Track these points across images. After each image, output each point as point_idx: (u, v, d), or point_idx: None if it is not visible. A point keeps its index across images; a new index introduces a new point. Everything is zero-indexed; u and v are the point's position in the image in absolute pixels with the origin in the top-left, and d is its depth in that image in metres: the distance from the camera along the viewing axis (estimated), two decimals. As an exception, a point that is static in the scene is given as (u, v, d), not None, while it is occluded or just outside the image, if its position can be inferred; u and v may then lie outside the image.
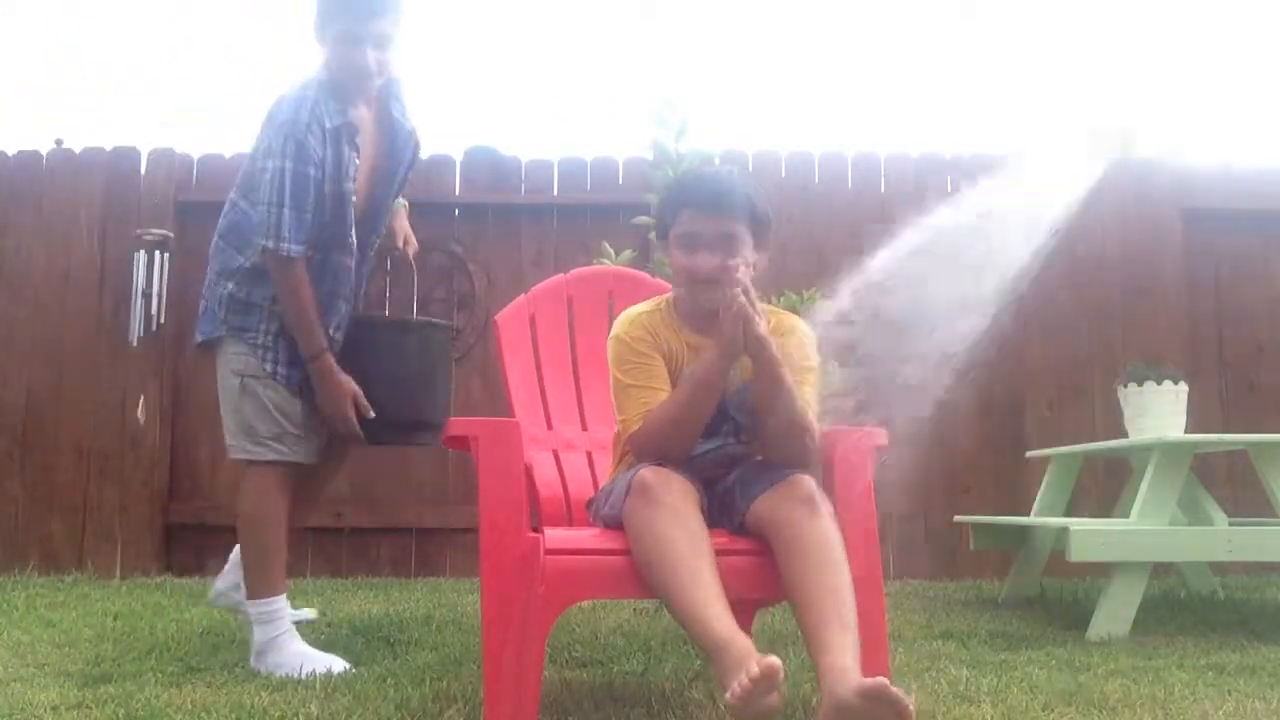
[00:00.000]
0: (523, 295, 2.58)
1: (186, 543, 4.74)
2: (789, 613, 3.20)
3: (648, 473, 1.83)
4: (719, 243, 1.97)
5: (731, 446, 2.05)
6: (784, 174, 5.10)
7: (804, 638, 1.69)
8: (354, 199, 2.58)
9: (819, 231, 5.00)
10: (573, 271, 2.63)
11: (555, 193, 5.08)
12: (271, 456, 2.54)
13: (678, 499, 1.80)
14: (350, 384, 2.54)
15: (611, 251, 3.67)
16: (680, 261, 2.02)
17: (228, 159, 5.07)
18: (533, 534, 1.79)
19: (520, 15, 7.34)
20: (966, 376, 4.75)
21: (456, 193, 5.08)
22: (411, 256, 2.91)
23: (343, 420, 2.53)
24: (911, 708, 1.47)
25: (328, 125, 2.49)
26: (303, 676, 2.33)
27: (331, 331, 2.58)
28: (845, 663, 1.58)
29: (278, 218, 2.43)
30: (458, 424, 1.90)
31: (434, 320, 2.86)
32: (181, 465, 4.83)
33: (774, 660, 1.49)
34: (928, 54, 7.28)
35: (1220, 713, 1.99)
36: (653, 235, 3.75)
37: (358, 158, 2.57)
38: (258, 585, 2.54)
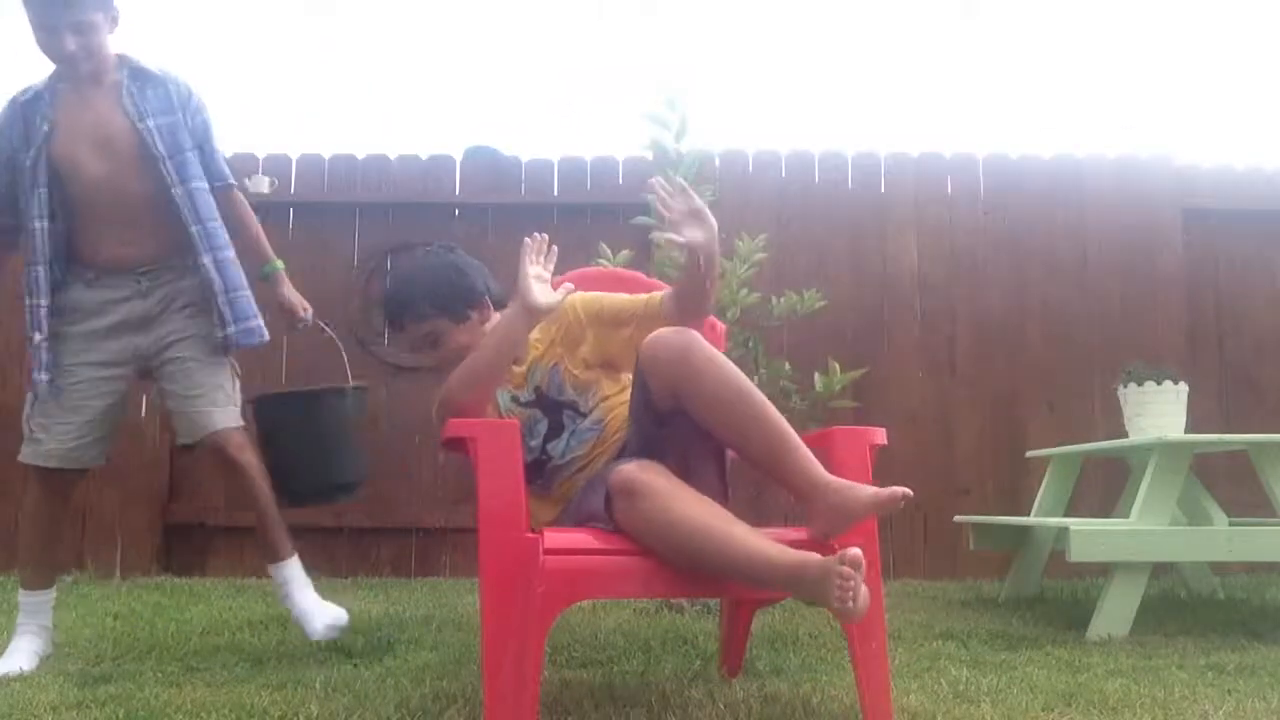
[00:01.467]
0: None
1: (186, 543, 4.75)
2: (789, 612, 3.21)
3: (622, 471, 1.79)
4: (422, 343, 2.24)
5: (584, 429, 2.15)
6: (784, 174, 5.10)
7: (768, 472, 1.83)
8: (51, 159, 2.56)
9: (819, 231, 5.01)
10: (571, 272, 2.63)
11: (555, 193, 5.08)
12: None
13: (662, 477, 1.78)
14: None
15: (609, 252, 3.67)
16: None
17: (227, 158, 5.05)
18: (531, 534, 1.79)
19: (521, 15, 7.35)
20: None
21: (456, 193, 5.09)
22: (312, 320, 2.93)
23: None
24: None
25: (20, 99, 2.60)
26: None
27: (42, 300, 2.58)
28: (827, 478, 1.77)
29: None
30: (456, 425, 1.90)
31: (342, 386, 2.97)
32: (181, 466, 4.83)
33: (854, 552, 1.55)
34: (928, 54, 7.28)
35: (1220, 713, 1.99)
36: (653, 236, 3.76)
37: (47, 125, 2.57)
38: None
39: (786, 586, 1.67)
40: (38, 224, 2.57)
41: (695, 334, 1.88)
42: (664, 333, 1.89)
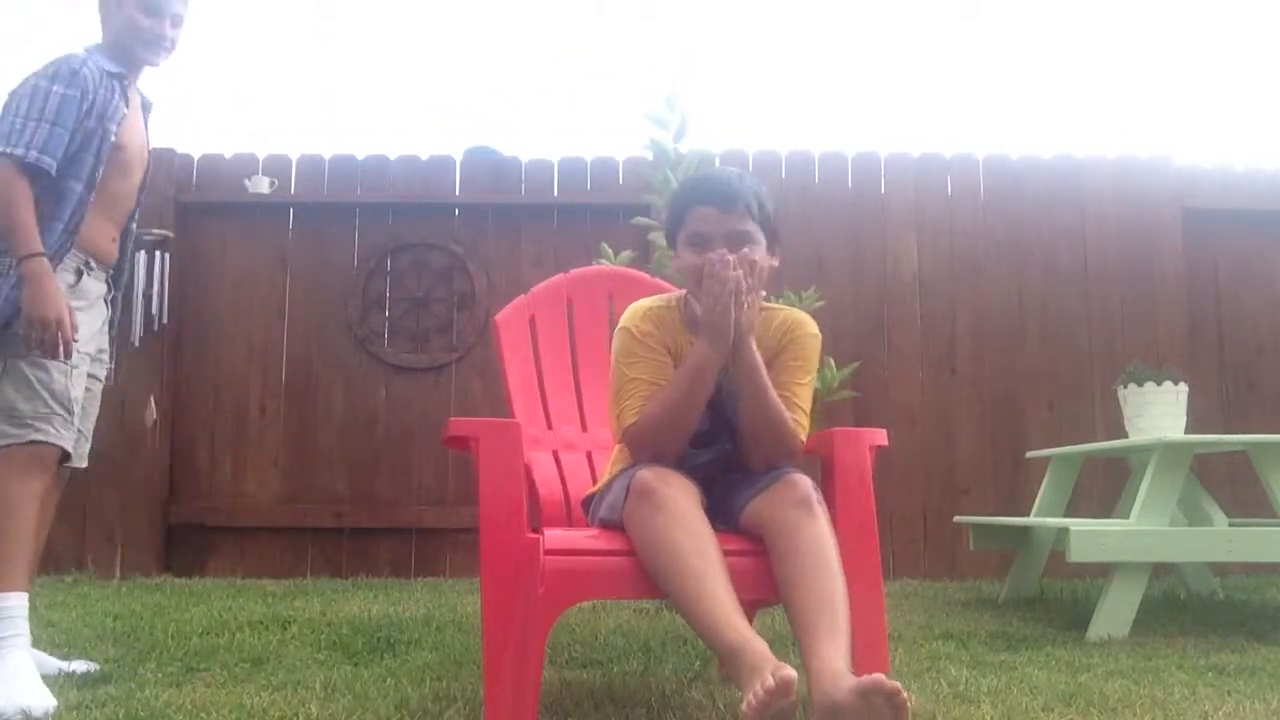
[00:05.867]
0: (523, 295, 2.58)
1: (186, 543, 4.75)
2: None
3: (648, 474, 1.81)
4: (730, 240, 1.91)
5: (731, 452, 2.02)
6: (784, 174, 5.10)
7: (797, 641, 1.69)
8: (116, 147, 2.45)
9: (819, 231, 5.01)
10: (572, 271, 2.63)
11: (555, 193, 5.08)
12: (35, 437, 2.31)
13: (681, 500, 1.78)
14: (63, 300, 2.29)
15: (611, 252, 3.67)
16: (690, 262, 1.93)
17: (228, 159, 5.08)
18: (532, 534, 1.79)
19: (521, 15, 7.35)
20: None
21: (456, 193, 5.09)
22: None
23: (40, 326, 2.25)
24: (908, 699, 1.46)
25: (107, 68, 2.45)
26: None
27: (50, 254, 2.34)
28: (836, 666, 1.57)
29: (34, 130, 2.30)
30: (458, 424, 1.90)
31: None
32: (181, 466, 4.84)
33: (790, 673, 1.48)
34: (928, 54, 7.28)
35: (1220, 713, 1.99)
36: (653, 236, 3.76)
37: (126, 108, 2.49)
38: None
39: (720, 657, 1.62)
40: (79, 186, 2.39)
41: (820, 506, 1.80)
42: (804, 480, 1.83)
